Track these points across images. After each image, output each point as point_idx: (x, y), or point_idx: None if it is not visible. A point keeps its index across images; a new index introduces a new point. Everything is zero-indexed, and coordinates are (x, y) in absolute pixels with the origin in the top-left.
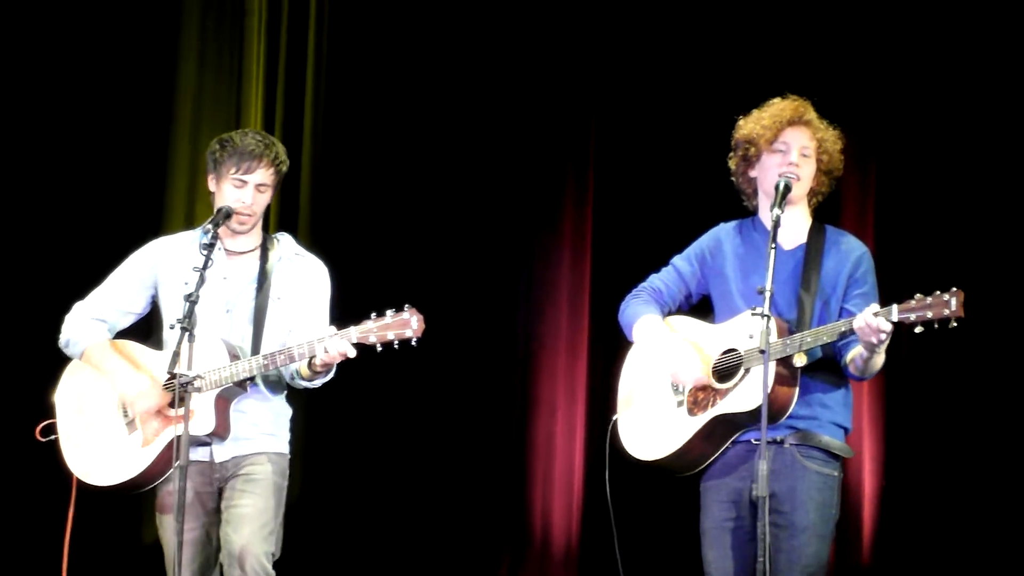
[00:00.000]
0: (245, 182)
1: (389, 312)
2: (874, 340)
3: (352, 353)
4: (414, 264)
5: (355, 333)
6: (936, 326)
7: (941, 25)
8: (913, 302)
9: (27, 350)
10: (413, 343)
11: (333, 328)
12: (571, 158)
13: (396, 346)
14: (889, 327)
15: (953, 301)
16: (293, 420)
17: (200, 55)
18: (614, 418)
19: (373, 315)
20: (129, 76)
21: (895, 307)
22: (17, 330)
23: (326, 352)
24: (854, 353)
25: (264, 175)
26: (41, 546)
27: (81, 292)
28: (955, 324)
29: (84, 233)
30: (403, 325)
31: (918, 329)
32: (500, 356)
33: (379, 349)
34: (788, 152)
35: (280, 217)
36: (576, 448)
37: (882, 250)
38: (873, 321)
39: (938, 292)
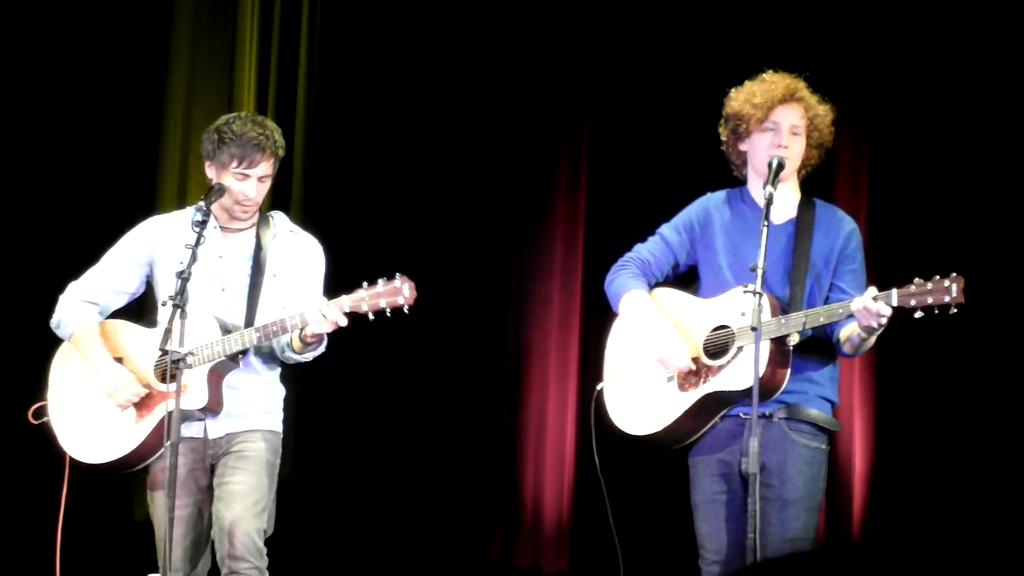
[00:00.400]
0: (248, 175)
1: (381, 280)
2: (874, 324)
3: (344, 322)
4: (407, 243)
5: (347, 302)
6: (936, 312)
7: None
8: (913, 287)
9: (20, 332)
10: (405, 310)
11: (325, 298)
12: (565, 139)
13: (388, 314)
14: (889, 311)
15: (954, 287)
16: (286, 399)
17: (193, 33)
18: (599, 387)
19: (365, 284)
20: (121, 53)
21: (895, 291)
22: (9, 312)
23: (318, 321)
24: (849, 331)
25: (267, 167)
26: (34, 526)
27: (73, 272)
28: (955, 310)
29: (76, 213)
30: (395, 293)
31: (918, 314)
32: (492, 335)
33: (371, 317)
34: (778, 131)
35: (273, 196)
36: (568, 425)
37: (875, 225)
38: (873, 305)
39: (938, 277)
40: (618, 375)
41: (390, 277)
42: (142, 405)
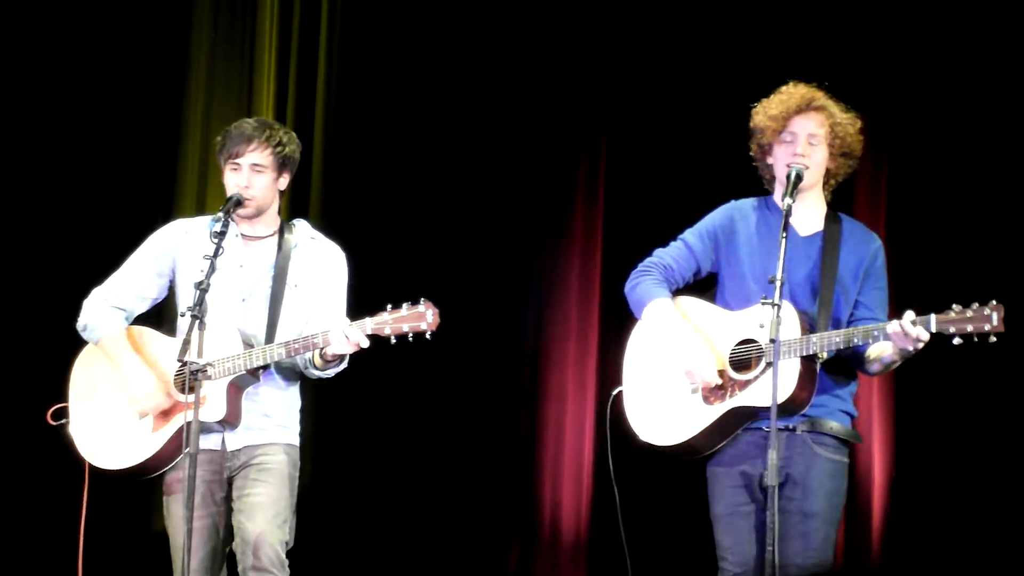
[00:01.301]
0: (239, 165)
1: (405, 305)
2: (910, 348)
3: (366, 344)
4: (425, 252)
5: (370, 324)
6: (976, 340)
7: (957, 11)
8: (953, 314)
9: (40, 335)
10: (427, 336)
11: (348, 319)
12: (584, 148)
13: (410, 339)
14: (927, 336)
15: (995, 316)
16: (304, 409)
17: (211, 43)
18: (617, 390)
19: (389, 307)
20: (141, 62)
21: (933, 317)
22: (30, 315)
23: (340, 342)
24: (880, 351)
25: (258, 156)
26: (53, 530)
27: (93, 277)
28: (995, 339)
29: (96, 218)
30: (418, 318)
31: (956, 341)
32: (510, 346)
33: (393, 341)
34: (795, 142)
35: (291, 205)
36: (586, 438)
37: (894, 238)
38: (912, 330)
39: (977, 305)
40: (640, 382)
41: (414, 302)
42: (160, 414)
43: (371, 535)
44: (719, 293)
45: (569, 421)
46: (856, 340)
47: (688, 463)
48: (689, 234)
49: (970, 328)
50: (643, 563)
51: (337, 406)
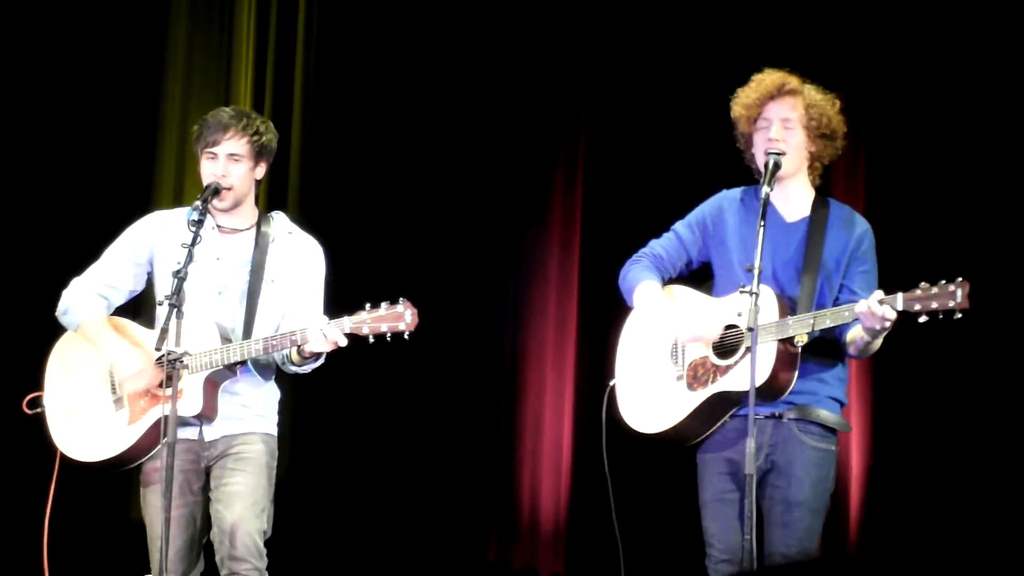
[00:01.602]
0: (215, 154)
1: (384, 304)
2: (877, 327)
3: (344, 343)
4: (403, 245)
5: (348, 323)
6: (940, 316)
7: None
8: (919, 291)
9: (17, 326)
10: (406, 336)
11: (326, 317)
12: (562, 140)
13: (389, 339)
14: (893, 315)
15: (959, 292)
16: (284, 401)
17: (189, 35)
18: (611, 383)
19: (368, 306)
20: (117, 52)
21: (900, 296)
22: (8, 305)
23: (318, 340)
24: (854, 334)
25: (234, 145)
26: (26, 521)
27: (71, 268)
28: (959, 315)
29: (73, 214)
30: (397, 318)
31: (922, 319)
32: (489, 336)
33: (371, 341)
34: (769, 127)
35: (269, 195)
36: (565, 426)
37: (873, 222)
38: (878, 309)
39: (943, 282)
40: (630, 373)
41: (393, 301)
42: (136, 405)
43: (351, 525)
44: (712, 283)
45: (548, 411)
46: (827, 321)
47: (679, 451)
48: (679, 224)
49: (935, 305)
50: (629, 551)
51: (317, 398)
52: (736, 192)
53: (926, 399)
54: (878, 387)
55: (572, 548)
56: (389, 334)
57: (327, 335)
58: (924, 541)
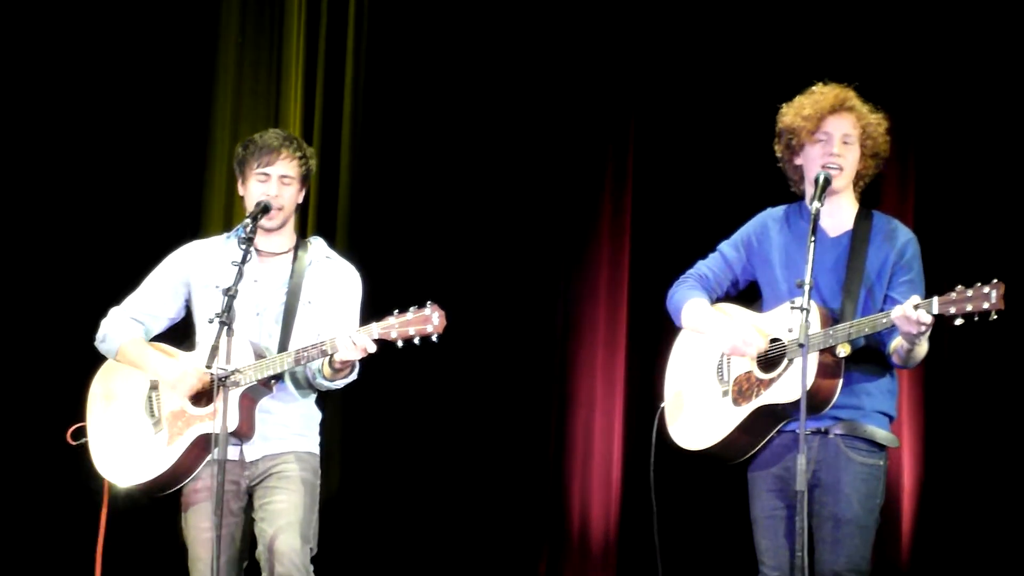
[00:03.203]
0: (268, 175)
1: (412, 308)
2: (913, 331)
3: (372, 348)
4: (453, 259)
5: (376, 329)
6: (976, 319)
7: (978, 9)
8: (954, 294)
9: (64, 353)
10: (434, 339)
11: (356, 326)
12: (610, 150)
13: (417, 343)
14: (929, 319)
15: (993, 293)
16: (329, 418)
17: (239, 52)
18: (661, 406)
19: (396, 311)
20: (168, 74)
21: (936, 299)
22: (56, 333)
23: (346, 347)
24: (896, 343)
25: (286, 167)
26: (77, 552)
27: (119, 294)
28: (995, 317)
29: (124, 235)
30: (424, 321)
31: (958, 322)
32: (538, 351)
33: (400, 345)
34: (830, 142)
35: (318, 215)
36: (615, 443)
37: (923, 236)
38: (913, 314)
39: (979, 284)
40: (678, 392)
41: (421, 305)
42: (174, 426)
43: (399, 543)
44: (761, 302)
45: (598, 428)
46: (866, 329)
47: (729, 470)
48: (724, 244)
49: (970, 307)
50: (675, 572)
51: (367, 416)
52: (780, 210)
53: (978, 412)
54: (930, 400)
55: (622, 566)
56: (417, 338)
57: (356, 342)
58: (977, 557)
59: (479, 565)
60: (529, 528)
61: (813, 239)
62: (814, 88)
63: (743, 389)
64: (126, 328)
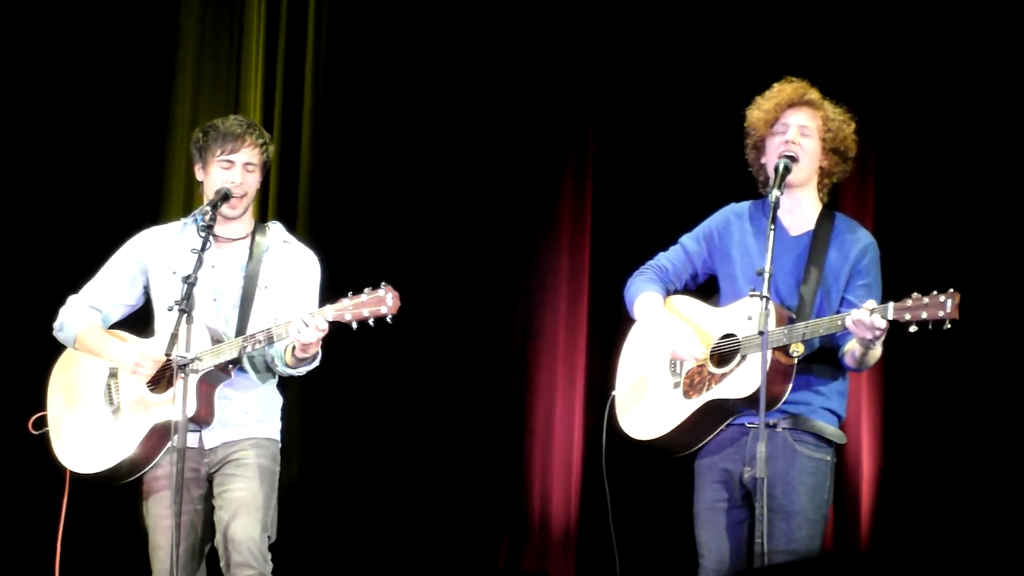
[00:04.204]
0: (232, 163)
1: (366, 290)
2: (868, 336)
3: (324, 327)
4: (412, 249)
5: (331, 311)
6: (930, 327)
7: (943, 6)
8: (910, 301)
9: (25, 342)
10: (388, 320)
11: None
12: (570, 144)
13: (372, 324)
14: (884, 324)
15: (949, 303)
16: (289, 405)
17: (199, 39)
18: (612, 394)
19: (350, 293)
20: (127, 61)
21: (891, 305)
22: (14, 322)
23: (300, 329)
24: (850, 346)
25: (250, 154)
26: (37, 537)
27: (79, 281)
28: (949, 326)
29: (83, 222)
30: (378, 302)
31: (912, 328)
32: (499, 341)
33: (355, 327)
34: (786, 132)
35: (279, 202)
36: (575, 432)
37: (882, 239)
38: (867, 318)
39: (935, 292)
40: (630, 381)
41: (375, 286)
42: (132, 414)
43: (359, 530)
44: (719, 296)
45: (558, 414)
46: (821, 330)
47: (682, 460)
48: (686, 237)
49: (924, 315)
50: (632, 558)
51: (325, 401)
52: (744, 206)
53: (936, 404)
54: (889, 393)
55: (583, 552)
56: (372, 319)
57: (308, 323)
58: (935, 547)
59: (439, 552)
60: (489, 515)
61: (772, 227)
62: (775, 84)
63: (695, 382)
64: (83, 316)
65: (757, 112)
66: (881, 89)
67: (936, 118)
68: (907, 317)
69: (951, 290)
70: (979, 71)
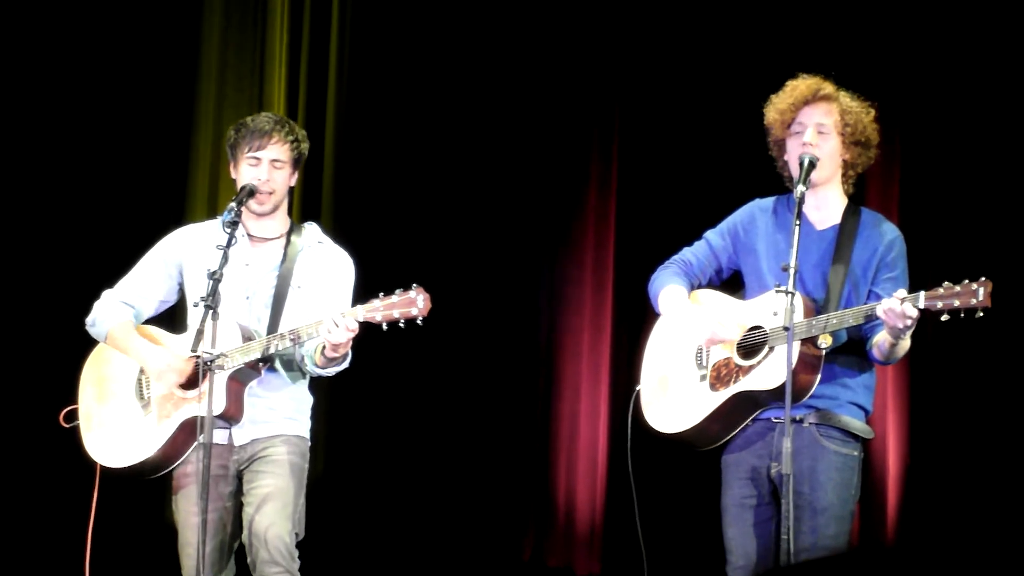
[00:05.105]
0: (259, 159)
1: (397, 291)
2: (900, 325)
3: (354, 327)
4: (438, 246)
5: (362, 312)
6: (963, 315)
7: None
8: (941, 290)
9: (54, 338)
10: (419, 322)
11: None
12: (596, 139)
13: (402, 325)
14: (915, 313)
15: (981, 291)
16: (317, 403)
17: (223, 37)
18: (637, 389)
19: (381, 294)
20: (151, 60)
21: (922, 294)
22: (44, 319)
23: (330, 329)
24: (879, 337)
25: (278, 151)
26: (69, 533)
27: (106, 279)
28: (981, 314)
29: (108, 219)
30: (408, 304)
31: (944, 317)
32: (524, 337)
33: (385, 328)
34: (803, 132)
35: (303, 200)
36: (600, 427)
37: (907, 231)
38: (899, 307)
39: (967, 281)
40: (655, 375)
41: (406, 288)
42: (163, 409)
43: (385, 526)
44: (744, 291)
45: (584, 410)
46: (850, 320)
47: (705, 455)
48: (711, 232)
49: (957, 303)
50: (658, 554)
51: (353, 401)
52: (769, 201)
53: (962, 400)
54: (915, 388)
55: (608, 547)
56: (402, 321)
57: (338, 323)
58: (961, 543)
59: (464, 547)
60: (515, 510)
61: (798, 223)
62: (790, 81)
63: (721, 375)
64: (115, 312)
65: (773, 112)
66: (906, 80)
67: (961, 109)
68: (939, 305)
69: (983, 279)
70: (1005, 59)
